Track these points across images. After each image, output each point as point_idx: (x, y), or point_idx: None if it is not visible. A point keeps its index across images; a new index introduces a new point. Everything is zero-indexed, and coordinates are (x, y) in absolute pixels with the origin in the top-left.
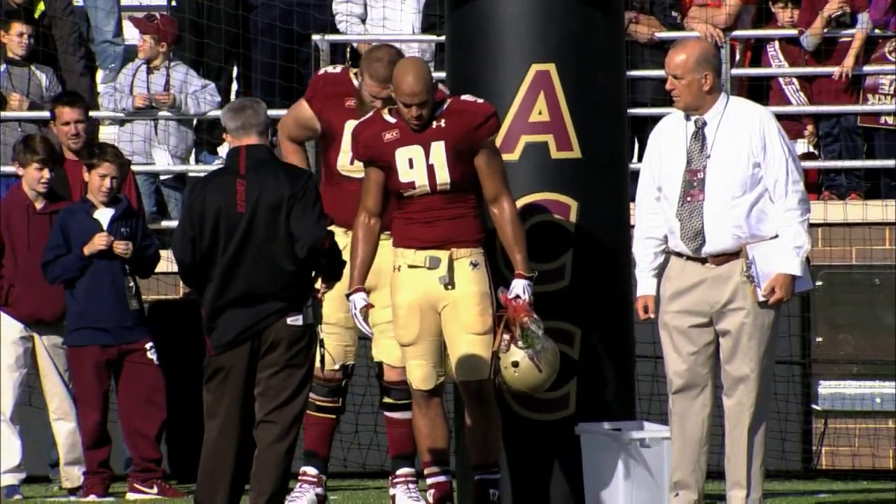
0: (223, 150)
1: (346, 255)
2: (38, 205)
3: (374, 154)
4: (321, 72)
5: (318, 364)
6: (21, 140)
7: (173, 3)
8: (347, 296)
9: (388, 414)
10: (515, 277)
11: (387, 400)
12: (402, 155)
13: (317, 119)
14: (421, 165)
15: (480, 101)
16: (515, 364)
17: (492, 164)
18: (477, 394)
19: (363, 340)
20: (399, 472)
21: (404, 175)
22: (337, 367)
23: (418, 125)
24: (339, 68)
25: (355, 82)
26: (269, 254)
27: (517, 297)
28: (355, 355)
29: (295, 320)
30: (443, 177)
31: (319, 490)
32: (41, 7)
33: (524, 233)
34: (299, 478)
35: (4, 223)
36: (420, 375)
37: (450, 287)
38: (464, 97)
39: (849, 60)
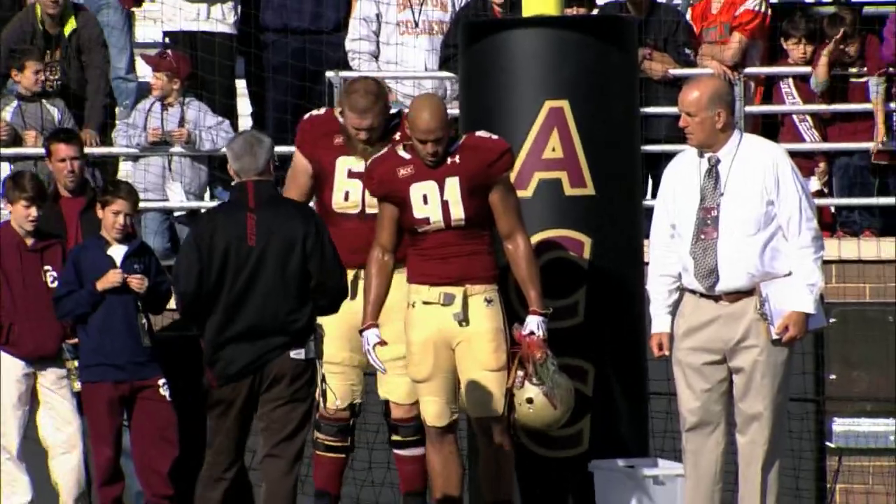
0: None
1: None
2: (29, 242)
3: (389, 190)
4: (306, 116)
5: (323, 403)
6: (10, 177)
7: (166, 41)
8: (361, 331)
9: (397, 451)
10: (530, 314)
11: (395, 437)
12: (416, 191)
13: (310, 162)
14: (435, 201)
15: (495, 137)
16: (530, 401)
17: (506, 200)
18: (490, 430)
19: (370, 376)
20: None
21: (419, 211)
22: (343, 405)
23: (433, 161)
24: (323, 110)
25: (341, 120)
26: (276, 289)
27: (532, 333)
28: (362, 393)
29: (298, 354)
30: (457, 213)
31: None
32: (72, 23)
33: (538, 269)
34: None
35: None
36: (434, 412)
37: (464, 324)
38: (478, 133)
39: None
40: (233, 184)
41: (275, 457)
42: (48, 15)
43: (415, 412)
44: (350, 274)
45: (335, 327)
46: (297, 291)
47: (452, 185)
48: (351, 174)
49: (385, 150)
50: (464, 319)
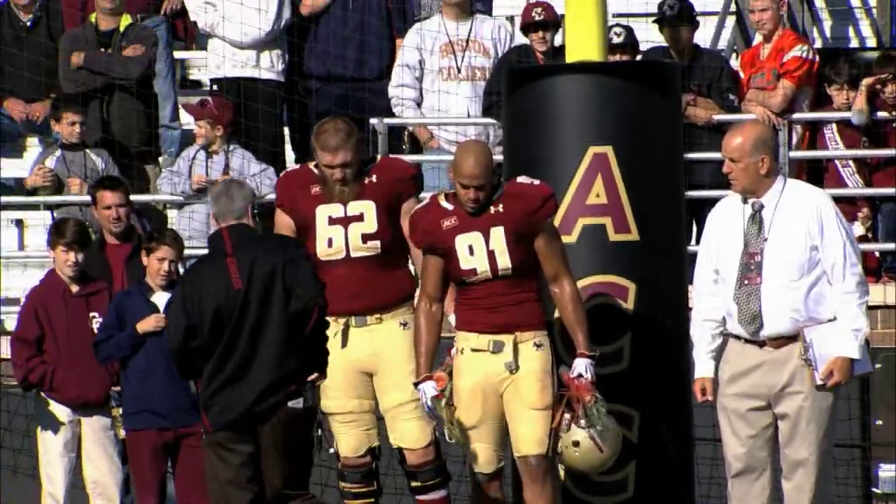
0: None
1: (331, 343)
2: (74, 288)
3: (434, 241)
4: (282, 174)
5: (343, 452)
6: (53, 223)
7: (213, 88)
8: (416, 384)
9: (419, 497)
10: (577, 357)
11: (414, 484)
12: (461, 242)
13: (291, 217)
14: (481, 252)
15: (537, 182)
16: (576, 444)
17: (551, 245)
18: (535, 470)
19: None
20: None
21: (465, 262)
22: (362, 452)
23: (474, 209)
24: (298, 165)
25: (316, 171)
26: (265, 326)
27: (580, 375)
28: (377, 436)
29: (296, 403)
30: (504, 262)
31: None
32: (126, 20)
33: (585, 312)
34: None
35: (42, 309)
36: (483, 459)
37: (515, 371)
38: (520, 179)
39: None
40: (212, 234)
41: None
42: (104, 13)
43: (430, 455)
44: (340, 322)
45: (338, 379)
46: (287, 330)
47: (497, 234)
48: (332, 221)
49: (427, 201)
50: (515, 368)
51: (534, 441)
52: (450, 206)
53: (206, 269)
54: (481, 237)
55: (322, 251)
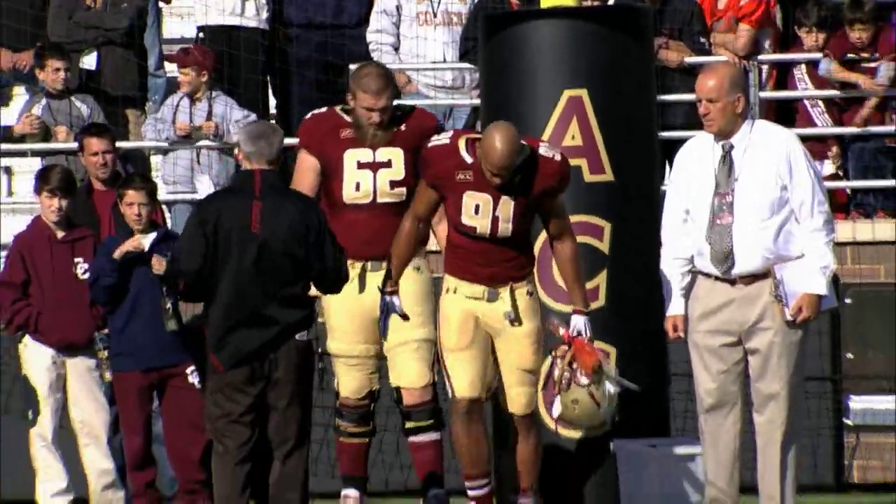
0: None
1: (348, 288)
2: (59, 234)
3: (443, 186)
4: (308, 116)
5: (343, 393)
6: (39, 171)
7: (200, 35)
8: (383, 292)
9: (412, 439)
10: (575, 313)
11: (409, 425)
12: (469, 199)
13: (318, 159)
14: (486, 215)
15: (558, 157)
16: (575, 401)
17: (556, 208)
18: (523, 424)
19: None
20: (343, 492)
21: (468, 218)
22: (362, 395)
23: (498, 185)
24: (324, 108)
25: (344, 116)
26: (279, 276)
27: (579, 333)
28: (378, 379)
29: (301, 336)
30: (505, 229)
31: None
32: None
33: (582, 271)
34: (341, 502)
35: (28, 254)
36: (466, 382)
37: (516, 324)
38: (542, 150)
39: (864, 112)
40: (240, 170)
41: (284, 437)
42: None
43: (427, 396)
44: (357, 267)
45: (348, 322)
46: (298, 278)
47: (507, 204)
48: (360, 165)
49: (447, 141)
50: (515, 319)
51: (525, 404)
52: (469, 160)
53: (230, 201)
54: (491, 201)
55: (348, 195)
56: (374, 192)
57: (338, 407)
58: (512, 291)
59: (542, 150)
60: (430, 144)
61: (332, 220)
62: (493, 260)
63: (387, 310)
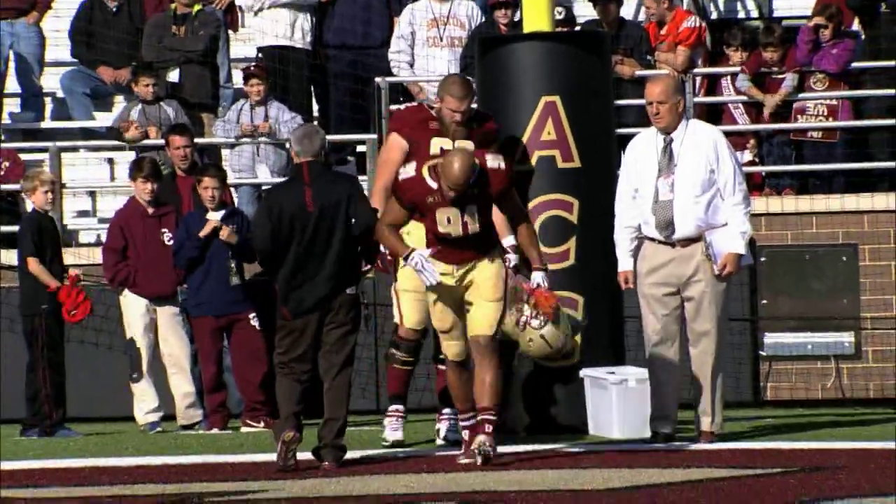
0: None
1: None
2: (150, 210)
3: (417, 207)
4: (402, 108)
5: (406, 324)
6: (133, 161)
7: (259, 56)
8: (407, 256)
9: (393, 366)
10: (534, 270)
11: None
12: (441, 213)
13: (408, 142)
14: (457, 222)
15: (503, 165)
16: (531, 341)
17: (508, 197)
18: (485, 347)
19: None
20: (391, 408)
21: (442, 227)
22: (420, 327)
23: (454, 199)
24: (415, 103)
25: (431, 111)
26: (332, 241)
27: (538, 285)
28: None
29: (351, 290)
30: (474, 227)
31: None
32: (197, 7)
33: (537, 236)
34: (389, 414)
35: (126, 225)
36: (456, 351)
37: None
38: (489, 162)
39: (768, 110)
40: (293, 164)
41: (335, 364)
42: (182, 4)
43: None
44: None
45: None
46: (348, 240)
47: (472, 210)
48: (442, 151)
49: (413, 173)
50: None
51: (485, 325)
52: (433, 185)
53: (287, 190)
54: (458, 212)
55: None
56: None
57: (395, 340)
58: (476, 264)
59: (489, 161)
60: (399, 177)
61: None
62: (463, 247)
63: (421, 262)
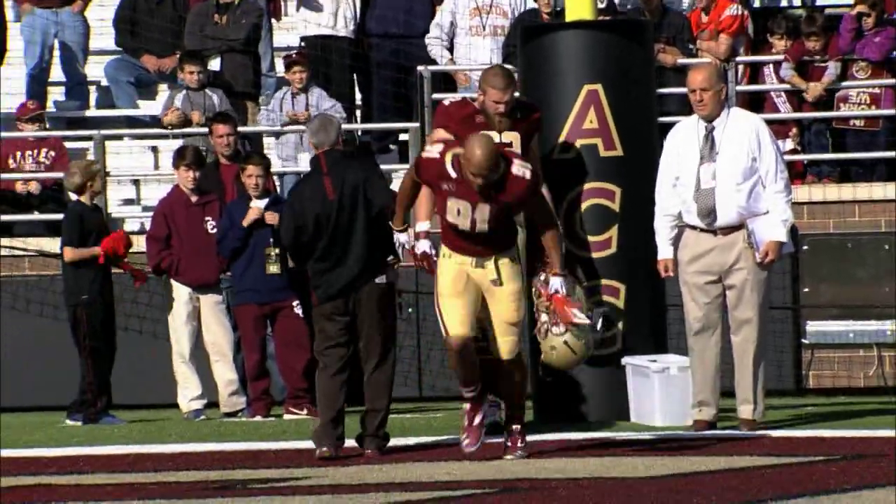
0: None
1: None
2: (193, 198)
3: (432, 188)
4: (447, 102)
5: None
6: (177, 149)
7: (302, 45)
8: (399, 231)
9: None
10: (553, 276)
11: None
12: (452, 203)
13: (455, 137)
14: (466, 216)
15: (528, 174)
16: (553, 348)
17: (534, 206)
18: (512, 363)
19: None
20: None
21: (451, 216)
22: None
23: (479, 189)
24: (458, 97)
25: (476, 105)
26: (355, 226)
27: (556, 291)
28: None
29: (380, 280)
30: (482, 228)
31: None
32: None
33: (562, 240)
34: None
35: (169, 213)
36: (458, 321)
37: (499, 284)
38: (514, 169)
39: (811, 99)
40: (311, 157)
41: (372, 356)
42: None
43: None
44: None
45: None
46: (370, 223)
47: (484, 209)
48: None
49: (437, 155)
50: (498, 281)
51: (509, 351)
52: (453, 174)
53: (307, 185)
54: (469, 207)
55: None
56: None
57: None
58: (496, 262)
59: (515, 168)
60: (423, 155)
61: None
62: (477, 241)
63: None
